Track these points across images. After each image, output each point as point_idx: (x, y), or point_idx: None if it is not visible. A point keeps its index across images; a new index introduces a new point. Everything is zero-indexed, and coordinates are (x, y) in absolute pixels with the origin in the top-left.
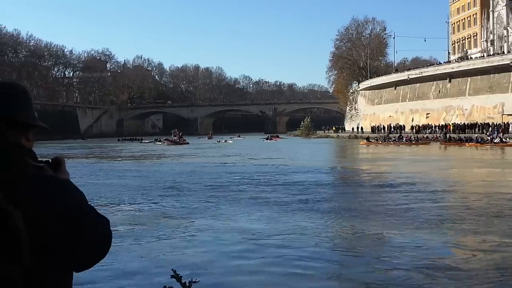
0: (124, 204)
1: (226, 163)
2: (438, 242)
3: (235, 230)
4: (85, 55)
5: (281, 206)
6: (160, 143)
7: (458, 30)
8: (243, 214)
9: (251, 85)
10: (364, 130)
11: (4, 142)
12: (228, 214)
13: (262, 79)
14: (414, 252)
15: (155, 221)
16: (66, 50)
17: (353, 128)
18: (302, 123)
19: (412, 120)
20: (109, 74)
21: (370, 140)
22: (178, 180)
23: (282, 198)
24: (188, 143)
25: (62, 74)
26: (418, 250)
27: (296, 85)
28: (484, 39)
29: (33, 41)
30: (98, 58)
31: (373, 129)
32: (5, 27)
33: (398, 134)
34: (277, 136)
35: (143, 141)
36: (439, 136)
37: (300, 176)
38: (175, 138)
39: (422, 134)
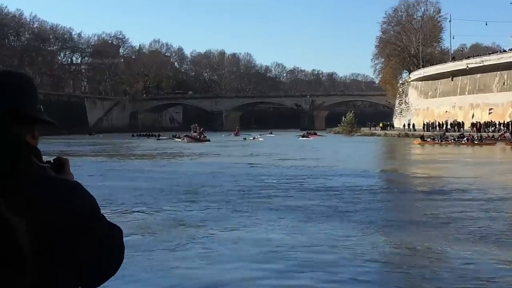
0: (135, 209)
1: (252, 164)
2: (491, 260)
3: (257, 241)
4: (95, 38)
5: (311, 214)
6: (180, 139)
7: None
8: (268, 223)
9: (284, 74)
10: (416, 127)
11: (8, 139)
12: (251, 223)
13: (298, 68)
14: (463, 271)
15: (168, 230)
16: (74, 33)
17: (404, 125)
18: (343, 118)
19: (473, 116)
20: (122, 60)
21: (425, 139)
22: (196, 183)
23: (313, 205)
24: (208, 140)
25: (69, 60)
26: (467, 269)
27: (336, 74)
28: None
29: (37, 22)
30: (109, 42)
31: (427, 126)
32: (6, 6)
33: (460, 133)
34: (315, 133)
35: (160, 137)
36: (508, 136)
37: (337, 180)
38: (195, 134)
39: (486, 133)
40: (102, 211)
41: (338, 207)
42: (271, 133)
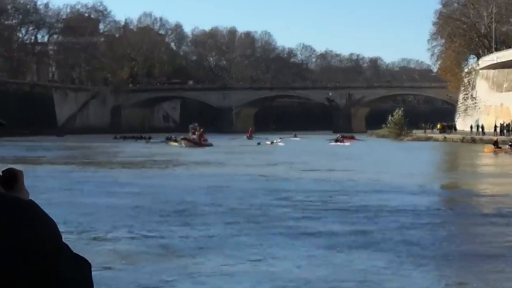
0: (112, 234)
1: (266, 176)
2: None
3: (266, 275)
4: (67, 11)
5: (335, 241)
6: (176, 143)
7: None
8: (280, 251)
9: (313, 60)
10: (486, 130)
11: None
12: (258, 252)
13: (330, 51)
14: None
15: (154, 260)
16: (39, 3)
17: (471, 127)
18: (390, 117)
19: None
20: (102, 39)
21: (499, 145)
22: (192, 201)
23: (340, 230)
24: (211, 145)
25: (32, 38)
26: None
27: (381, 60)
28: None
29: None
30: (86, 15)
31: (501, 129)
32: None
33: None
34: (352, 137)
35: (151, 140)
36: None
37: (375, 199)
38: (193, 137)
39: None
40: (66, 238)
41: (372, 233)
42: (295, 136)
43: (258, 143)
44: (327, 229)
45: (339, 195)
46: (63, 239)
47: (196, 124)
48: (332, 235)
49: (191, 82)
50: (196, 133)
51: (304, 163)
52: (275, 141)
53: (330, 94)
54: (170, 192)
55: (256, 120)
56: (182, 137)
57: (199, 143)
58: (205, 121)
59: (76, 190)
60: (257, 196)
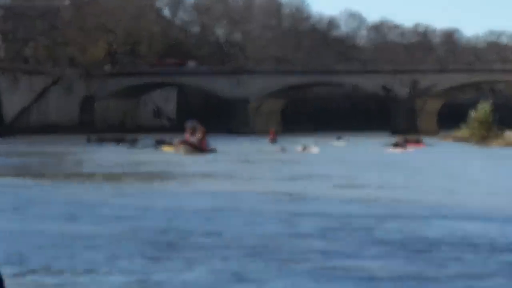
0: (70, 274)
1: (288, 195)
2: None
3: None
4: None
5: (376, 284)
6: (172, 148)
7: None
8: None
9: (364, 33)
10: None
11: None
12: None
13: (387, 21)
14: None
15: None
16: None
17: None
18: (472, 113)
19: None
20: (67, 2)
21: None
22: (181, 228)
23: (383, 268)
24: (214, 151)
25: None
26: None
27: (459, 33)
28: None
29: None
30: None
31: None
32: None
33: None
34: (417, 141)
35: (136, 144)
36: None
37: (436, 227)
38: (192, 139)
39: None
40: (7, 279)
41: (427, 277)
42: (339, 139)
43: (282, 149)
44: (365, 266)
45: (388, 222)
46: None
47: (195, 121)
48: (372, 275)
49: (191, 64)
50: (197, 134)
51: (345, 177)
52: (307, 147)
53: (387, 82)
54: (155, 216)
55: (283, 118)
56: (179, 139)
57: (200, 148)
58: (211, 117)
59: (27, 213)
60: (273, 222)
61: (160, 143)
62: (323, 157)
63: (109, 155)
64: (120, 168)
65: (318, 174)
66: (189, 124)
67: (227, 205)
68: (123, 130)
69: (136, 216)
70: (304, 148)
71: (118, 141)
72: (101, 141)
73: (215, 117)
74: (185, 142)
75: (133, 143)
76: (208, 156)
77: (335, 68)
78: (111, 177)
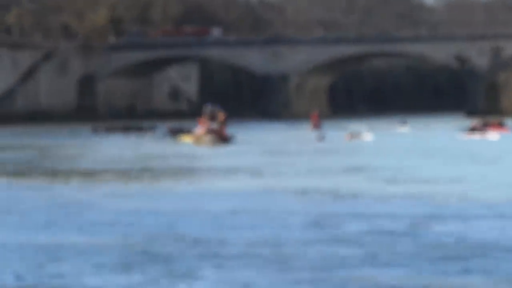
0: None
1: (323, 193)
2: None
3: None
4: None
5: None
6: (190, 138)
7: None
8: None
9: None
10: None
11: None
12: None
13: None
14: None
15: None
16: None
17: None
18: None
19: None
20: None
21: None
22: (187, 236)
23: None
24: (229, 140)
25: None
26: None
27: None
28: None
29: None
30: None
31: None
32: None
33: None
34: (500, 125)
35: (147, 134)
36: None
37: (497, 231)
38: (213, 125)
39: None
40: None
41: None
42: (404, 124)
43: (321, 137)
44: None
45: (443, 224)
46: None
47: (215, 106)
48: None
49: (216, 32)
50: (216, 120)
51: (407, 169)
52: (357, 133)
53: (462, 50)
54: (151, 221)
55: (331, 98)
56: (205, 127)
57: (222, 135)
58: (241, 99)
59: (7, 219)
60: (300, 226)
61: (176, 132)
62: (377, 146)
63: (111, 148)
64: (122, 164)
65: (370, 166)
66: (207, 109)
67: (246, 205)
68: (132, 117)
69: (136, 222)
70: (353, 135)
71: (126, 130)
72: (109, 131)
73: (246, 98)
74: (212, 131)
75: (142, 132)
76: (233, 148)
77: (397, 35)
78: (105, 172)
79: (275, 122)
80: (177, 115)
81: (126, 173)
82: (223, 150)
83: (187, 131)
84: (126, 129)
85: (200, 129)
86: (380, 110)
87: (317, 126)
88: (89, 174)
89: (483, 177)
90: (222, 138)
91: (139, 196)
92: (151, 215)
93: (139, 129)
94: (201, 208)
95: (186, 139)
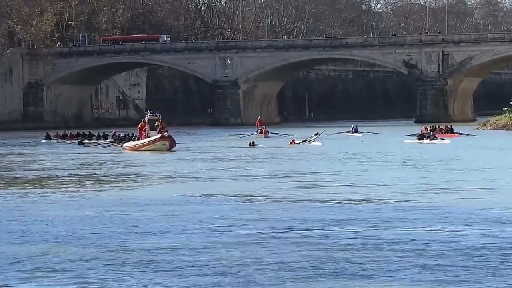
0: None
1: (243, 197)
2: None
3: None
4: None
5: None
6: (136, 146)
7: None
8: None
9: None
10: None
11: None
12: None
13: None
14: None
15: None
16: None
17: None
18: None
19: None
20: None
21: None
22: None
23: None
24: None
25: None
26: None
27: None
28: None
29: None
30: None
31: None
32: None
33: None
34: (448, 130)
35: (91, 142)
36: None
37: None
38: (153, 133)
39: None
40: None
41: None
42: (355, 131)
43: (252, 144)
44: None
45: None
46: None
47: (157, 112)
48: None
49: (165, 39)
50: (159, 125)
51: (351, 175)
52: (309, 139)
53: (411, 56)
54: (73, 228)
55: (281, 103)
56: (146, 135)
57: (173, 143)
58: (190, 106)
59: None
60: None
61: (117, 140)
62: (321, 151)
63: (58, 157)
64: (62, 172)
65: (316, 171)
66: (148, 115)
67: (160, 213)
68: (80, 124)
69: (40, 230)
70: (304, 141)
71: (75, 138)
72: (63, 138)
73: (195, 105)
74: (166, 137)
75: (92, 140)
76: (174, 154)
77: (345, 40)
78: (49, 183)
79: (224, 129)
80: (126, 122)
81: (67, 181)
82: (164, 157)
83: (132, 139)
84: (75, 137)
85: (141, 136)
86: (330, 116)
87: (262, 132)
88: (31, 182)
89: (415, 180)
90: (173, 145)
91: (68, 204)
92: (68, 222)
93: (89, 137)
94: (124, 215)
95: (130, 147)
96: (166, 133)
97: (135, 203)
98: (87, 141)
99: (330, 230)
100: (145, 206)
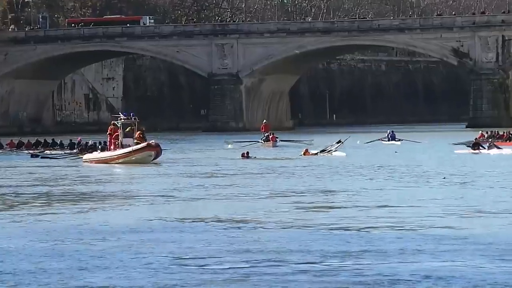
0: None
1: (234, 221)
2: None
3: None
4: None
5: None
6: (104, 155)
7: None
8: None
9: None
10: None
11: None
12: None
13: None
14: None
15: None
16: None
17: None
18: None
19: None
20: None
21: None
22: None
23: None
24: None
25: None
26: None
27: None
28: None
29: None
30: None
31: None
32: None
33: None
34: (511, 138)
35: (50, 152)
36: None
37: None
38: (128, 141)
39: None
40: None
41: None
42: (392, 138)
43: (246, 155)
44: None
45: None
46: None
47: (131, 115)
48: None
49: (148, 21)
50: (134, 130)
51: (354, 192)
52: (329, 149)
53: (461, 42)
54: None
55: (295, 103)
56: (118, 143)
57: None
58: (178, 107)
59: None
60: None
61: (83, 149)
62: (343, 164)
63: (12, 170)
64: (12, 190)
65: (336, 189)
66: (122, 118)
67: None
68: (36, 130)
69: None
70: (319, 152)
71: (33, 147)
72: (18, 147)
73: (186, 105)
74: (153, 147)
75: (53, 149)
76: (150, 168)
77: (378, 23)
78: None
79: (220, 135)
80: (96, 128)
81: (10, 201)
82: (140, 171)
83: (102, 146)
84: (34, 146)
85: (112, 145)
86: (357, 119)
87: (270, 139)
88: None
89: (460, 203)
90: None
91: (8, 230)
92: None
93: (51, 146)
94: (77, 245)
95: (96, 159)
96: (153, 141)
97: (93, 230)
98: (48, 152)
99: (343, 263)
100: (106, 233)
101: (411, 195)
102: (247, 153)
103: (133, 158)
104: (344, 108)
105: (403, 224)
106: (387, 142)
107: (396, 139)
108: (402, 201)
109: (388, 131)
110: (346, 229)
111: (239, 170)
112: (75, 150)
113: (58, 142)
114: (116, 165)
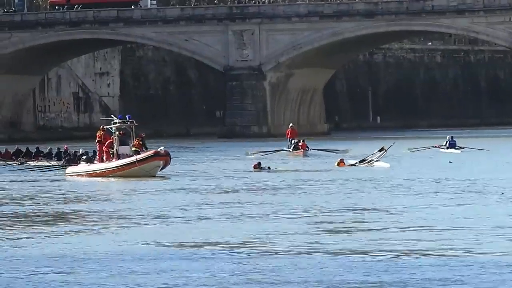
0: None
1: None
2: None
3: None
4: None
5: None
6: (99, 167)
7: None
8: None
9: None
10: None
11: None
12: None
13: None
14: None
15: None
16: None
17: None
18: None
19: None
20: None
21: None
22: None
23: None
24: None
25: None
26: None
27: None
28: None
29: None
30: None
31: None
32: None
33: None
34: None
35: (42, 161)
36: None
37: None
38: (124, 150)
39: None
40: None
41: None
42: (451, 146)
43: (258, 166)
44: None
45: None
46: None
47: (127, 118)
48: None
49: (150, 2)
50: (132, 137)
51: (390, 211)
52: (370, 159)
53: None
54: None
55: (331, 103)
56: (111, 153)
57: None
58: (189, 107)
59: None
60: None
61: (76, 160)
62: (396, 176)
63: None
64: None
65: (385, 207)
66: (116, 123)
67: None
68: (14, 137)
69: None
70: (362, 161)
71: (13, 157)
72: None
73: (198, 106)
74: (163, 155)
75: (36, 160)
76: (149, 182)
77: (432, 3)
78: None
79: (239, 141)
80: (87, 133)
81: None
82: (138, 186)
83: (89, 157)
84: (14, 155)
85: (105, 154)
86: (406, 122)
87: (299, 147)
88: None
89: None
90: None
91: None
92: None
93: (35, 155)
94: (54, 274)
95: (90, 172)
96: (161, 148)
97: (74, 257)
98: (32, 163)
99: None
100: (90, 261)
101: (460, 214)
102: (259, 163)
103: (137, 170)
104: (390, 109)
105: (445, 249)
106: (445, 150)
107: (456, 147)
108: (448, 222)
109: (448, 137)
110: (378, 255)
111: (262, 183)
112: (62, 161)
113: (45, 152)
114: (111, 179)
